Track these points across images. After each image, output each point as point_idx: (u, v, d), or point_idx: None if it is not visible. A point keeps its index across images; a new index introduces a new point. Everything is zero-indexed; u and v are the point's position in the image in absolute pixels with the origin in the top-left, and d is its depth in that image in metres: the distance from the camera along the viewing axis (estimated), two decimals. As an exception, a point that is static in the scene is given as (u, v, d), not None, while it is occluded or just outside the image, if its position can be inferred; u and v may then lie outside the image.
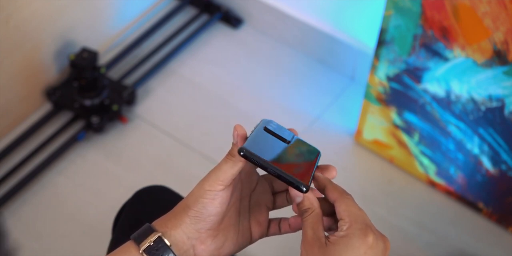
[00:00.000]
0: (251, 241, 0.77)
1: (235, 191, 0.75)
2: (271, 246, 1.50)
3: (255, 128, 0.74)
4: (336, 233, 0.69)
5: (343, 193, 0.71)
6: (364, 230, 0.68)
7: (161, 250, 0.71)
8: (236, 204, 0.76)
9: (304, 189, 0.70)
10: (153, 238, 0.71)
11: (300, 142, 0.76)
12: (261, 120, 0.76)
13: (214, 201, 0.71)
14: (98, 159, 1.61)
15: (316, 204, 0.71)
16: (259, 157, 0.70)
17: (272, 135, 0.74)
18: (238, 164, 0.71)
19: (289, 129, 0.77)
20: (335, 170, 0.74)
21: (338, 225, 0.69)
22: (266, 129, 0.74)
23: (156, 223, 0.74)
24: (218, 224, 0.74)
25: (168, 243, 0.71)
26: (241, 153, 0.69)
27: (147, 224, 0.74)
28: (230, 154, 0.72)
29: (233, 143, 0.73)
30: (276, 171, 0.70)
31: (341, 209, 0.70)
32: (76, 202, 1.54)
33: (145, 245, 0.71)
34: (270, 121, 0.76)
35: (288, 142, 0.74)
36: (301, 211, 0.71)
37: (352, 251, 0.67)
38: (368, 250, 0.68)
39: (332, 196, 0.71)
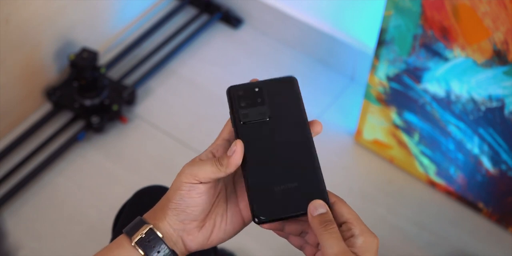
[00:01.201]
0: (244, 223, 0.76)
1: (219, 182, 0.75)
2: (271, 247, 1.50)
3: (234, 120, 0.74)
4: (354, 240, 0.68)
5: (337, 196, 0.71)
6: (369, 231, 0.69)
7: (153, 241, 0.71)
8: (222, 192, 0.75)
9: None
10: (144, 230, 0.72)
11: (271, 92, 0.75)
12: (227, 94, 0.77)
13: (191, 193, 0.71)
14: (98, 159, 1.61)
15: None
16: (275, 218, 0.70)
17: (252, 124, 0.74)
18: (222, 174, 0.71)
19: (251, 82, 0.77)
20: (320, 125, 0.74)
21: (346, 228, 0.69)
22: (244, 123, 0.74)
23: (146, 216, 0.74)
24: (203, 215, 0.73)
25: (160, 235, 0.72)
26: (256, 220, 0.70)
27: (139, 217, 0.74)
28: (220, 163, 0.71)
29: (227, 154, 0.71)
30: (298, 215, 0.70)
31: (344, 212, 0.70)
32: (76, 202, 1.54)
33: (137, 237, 0.72)
34: (236, 94, 0.76)
35: (269, 117, 0.74)
36: (324, 222, 0.68)
37: (374, 253, 0.69)
38: (376, 246, 0.69)
39: (331, 198, 0.71)
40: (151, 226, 0.72)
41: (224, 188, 0.76)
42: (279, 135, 0.73)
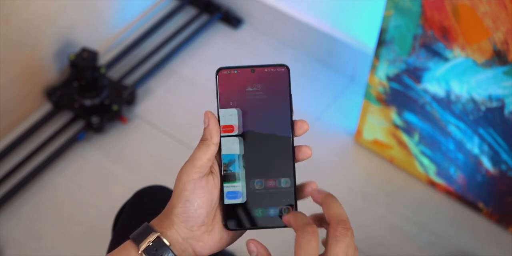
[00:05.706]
0: None
1: (216, 179, 0.74)
2: (271, 247, 1.49)
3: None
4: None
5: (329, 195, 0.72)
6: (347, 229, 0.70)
7: (160, 250, 0.71)
8: (222, 191, 0.75)
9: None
10: (152, 238, 0.71)
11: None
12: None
13: (196, 191, 0.71)
14: (98, 159, 1.61)
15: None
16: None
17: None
18: (211, 147, 0.72)
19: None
20: (310, 149, 0.75)
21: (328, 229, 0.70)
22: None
23: (154, 223, 0.73)
24: (210, 217, 0.73)
25: (167, 243, 0.71)
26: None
27: (146, 223, 0.73)
28: (202, 139, 0.72)
29: (204, 128, 0.73)
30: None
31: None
32: (76, 202, 1.54)
33: (144, 245, 0.71)
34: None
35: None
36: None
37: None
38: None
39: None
40: (159, 234, 0.71)
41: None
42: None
